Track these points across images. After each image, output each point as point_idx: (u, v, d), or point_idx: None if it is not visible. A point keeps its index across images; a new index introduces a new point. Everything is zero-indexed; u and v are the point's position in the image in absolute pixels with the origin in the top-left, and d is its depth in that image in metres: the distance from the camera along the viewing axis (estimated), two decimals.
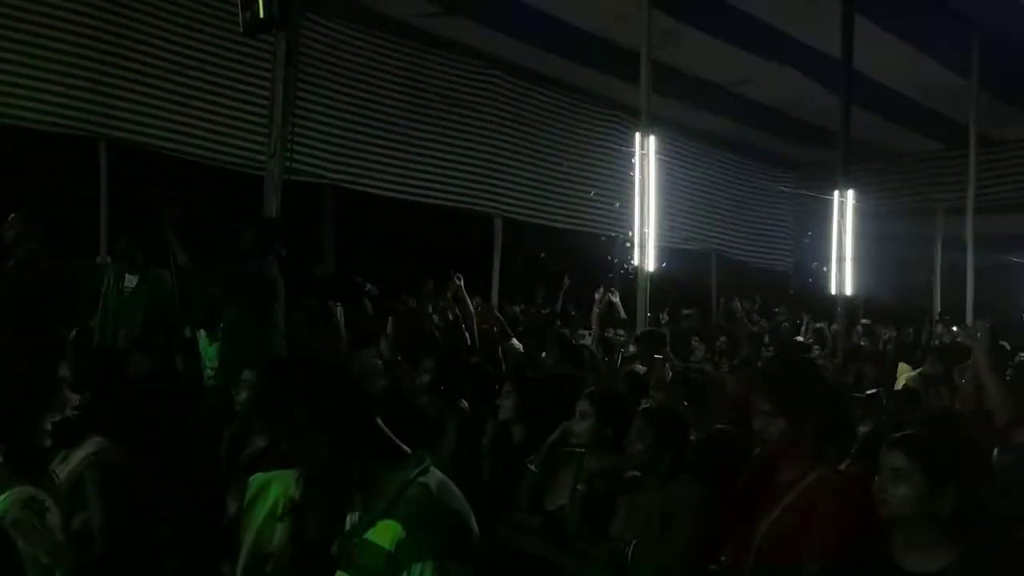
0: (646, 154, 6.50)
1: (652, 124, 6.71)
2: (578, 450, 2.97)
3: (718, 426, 2.81)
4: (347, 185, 8.88)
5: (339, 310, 5.25)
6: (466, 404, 3.65)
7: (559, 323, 7.70)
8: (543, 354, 5.14)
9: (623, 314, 8.33)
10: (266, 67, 6.20)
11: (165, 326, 5.25)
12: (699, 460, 2.60)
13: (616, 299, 8.54)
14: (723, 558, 2.29)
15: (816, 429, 2.19)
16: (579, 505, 2.75)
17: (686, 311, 10.09)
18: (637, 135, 6.61)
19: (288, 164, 5.53)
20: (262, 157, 5.94)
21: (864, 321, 8.48)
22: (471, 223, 10.73)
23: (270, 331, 4.46)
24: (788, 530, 2.10)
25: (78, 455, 2.54)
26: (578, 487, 2.78)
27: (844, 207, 8.00)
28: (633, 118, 8.17)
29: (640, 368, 4.61)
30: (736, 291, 11.40)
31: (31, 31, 6.17)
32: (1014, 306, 13.01)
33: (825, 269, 8.58)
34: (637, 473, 2.68)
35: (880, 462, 2.00)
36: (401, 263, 10.77)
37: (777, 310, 10.81)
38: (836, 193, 8.05)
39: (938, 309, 12.06)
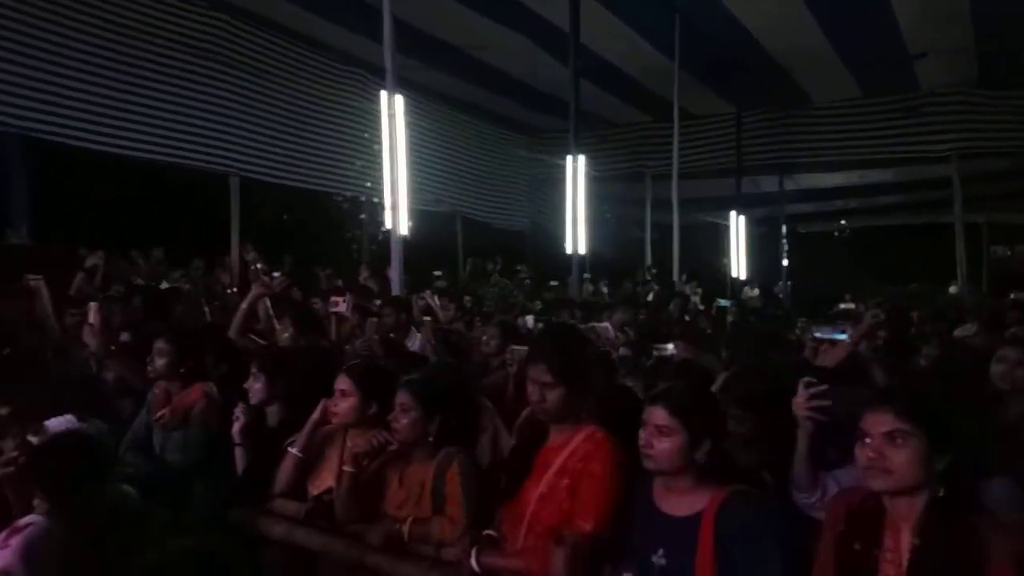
0: (394, 114, 6.36)
1: (398, 84, 6.58)
2: (341, 429, 2.85)
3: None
4: (38, 135, 7.56)
5: (42, 285, 4.46)
6: (214, 388, 3.33)
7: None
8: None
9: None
10: None
11: None
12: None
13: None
14: (499, 522, 2.33)
15: (589, 393, 2.29)
16: (347, 486, 2.62)
17: (437, 273, 10.28)
18: (383, 94, 6.42)
19: None
20: None
21: (586, 275, 9.31)
22: (203, 183, 9.77)
23: None
24: (560, 492, 2.19)
25: None
26: (344, 468, 2.65)
27: (576, 171, 8.61)
28: (377, 77, 7.96)
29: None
30: (480, 252, 11.88)
31: None
32: (712, 258, 15.26)
33: (559, 229, 9.21)
34: (405, 447, 2.62)
35: (644, 418, 2.10)
36: (117, 227, 9.49)
37: (519, 268, 11.41)
38: (569, 158, 8.62)
39: (648, 263, 13.69)
